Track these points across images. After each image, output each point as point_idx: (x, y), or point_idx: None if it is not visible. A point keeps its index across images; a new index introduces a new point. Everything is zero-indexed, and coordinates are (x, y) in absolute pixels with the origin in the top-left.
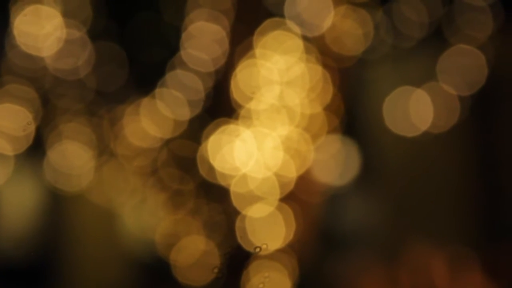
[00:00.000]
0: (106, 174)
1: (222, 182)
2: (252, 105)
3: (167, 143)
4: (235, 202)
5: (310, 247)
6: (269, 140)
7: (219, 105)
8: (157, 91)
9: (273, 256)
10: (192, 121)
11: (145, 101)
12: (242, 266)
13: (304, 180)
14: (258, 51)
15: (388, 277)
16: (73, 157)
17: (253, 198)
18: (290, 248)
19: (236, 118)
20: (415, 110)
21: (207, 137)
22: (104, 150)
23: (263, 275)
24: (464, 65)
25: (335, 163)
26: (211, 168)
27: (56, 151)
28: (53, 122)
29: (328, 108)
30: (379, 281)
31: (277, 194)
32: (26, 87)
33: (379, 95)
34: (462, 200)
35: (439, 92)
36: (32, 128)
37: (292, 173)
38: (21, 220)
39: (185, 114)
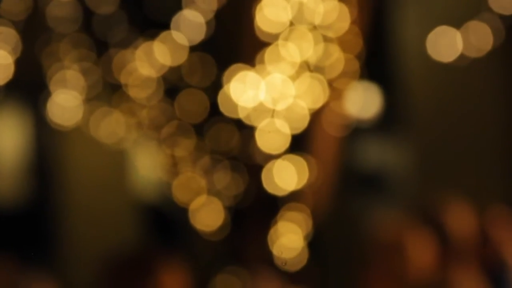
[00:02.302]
0: (112, 107)
1: (238, 116)
2: (270, 44)
3: (180, 75)
4: (251, 138)
5: (330, 189)
6: (288, 72)
7: (237, 44)
8: (172, 23)
9: (293, 198)
10: (204, 60)
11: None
12: (260, 210)
13: (326, 114)
14: None
15: (415, 232)
16: (71, 88)
17: (270, 135)
18: (310, 190)
19: (255, 57)
20: (449, 31)
21: (227, 77)
22: (102, 80)
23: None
24: None
25: (359, 95)
26: (227, 102)
27: (54, 81)
28: (52, 51)
29: (351, 35)
30: (404, 234)
31: (295, 129)
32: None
33: (410, 14)
34: (503, 147)
35: (475, 12)
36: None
37: (312, 106)
38: (16, 158)
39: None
